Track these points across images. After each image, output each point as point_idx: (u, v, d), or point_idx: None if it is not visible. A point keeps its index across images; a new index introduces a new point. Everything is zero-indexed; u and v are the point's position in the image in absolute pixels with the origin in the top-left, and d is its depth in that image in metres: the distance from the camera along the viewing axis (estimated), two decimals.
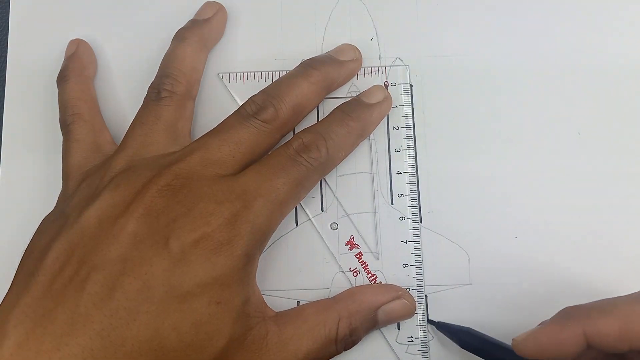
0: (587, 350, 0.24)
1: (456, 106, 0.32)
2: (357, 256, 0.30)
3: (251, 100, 0.29)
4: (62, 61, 0.33)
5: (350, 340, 0.28)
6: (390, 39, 0.33)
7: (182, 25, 0.32)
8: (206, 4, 0.33)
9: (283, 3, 0.33)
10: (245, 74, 0.32)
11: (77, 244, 0.24)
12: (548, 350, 0.24)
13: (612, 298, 0.24)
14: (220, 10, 0.33)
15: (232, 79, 0.32)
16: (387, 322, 0.29)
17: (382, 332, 0.30)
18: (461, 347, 0.28)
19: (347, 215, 0.31)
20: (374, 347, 0.30)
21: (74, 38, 0.33)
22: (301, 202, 0.31)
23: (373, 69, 0.32)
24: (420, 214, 0.31)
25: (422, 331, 0.30)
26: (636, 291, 0.24)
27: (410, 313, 0.29)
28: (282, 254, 0.30)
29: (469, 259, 0.30)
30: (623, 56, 0.33)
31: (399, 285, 0.30)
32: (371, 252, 0.30)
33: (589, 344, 0.24)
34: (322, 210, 0.31)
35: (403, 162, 0.31)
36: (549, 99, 0.32)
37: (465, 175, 0.31)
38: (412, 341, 0.29)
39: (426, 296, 0.30)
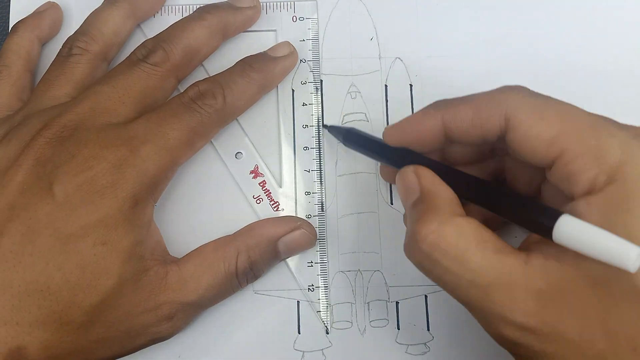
0: (450, 148, 0.27)
1: None
2: (261, 184, 0.31)
3: (142, 45, 0.29)
4: None
5: (251, 274, 0.29)
6: (390, 39, 0.33)
7: None
8: None
9: None
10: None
11: None
12: (411, 137, 0.26)
13: (473, 93, 0.25)
14: None
15: None
16: (289, 253, 0.30)
17: (381, 331, 0.30)
18: (346, 144, 0.30)
19: (253, 145, 0.31)
20: (374, 346, 0.30)
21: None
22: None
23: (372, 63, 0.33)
24: None
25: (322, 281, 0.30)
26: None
27: (310, 242, 0.30)
28: None
29: None
30: (623, 56, 0.33)
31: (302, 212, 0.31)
32: (274, 180, 0.31)
33: (447, 134, 0.25)
34: (323, 210, 0.31)
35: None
36: None
37: None
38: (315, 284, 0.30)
39: (426, 296, 0.30)
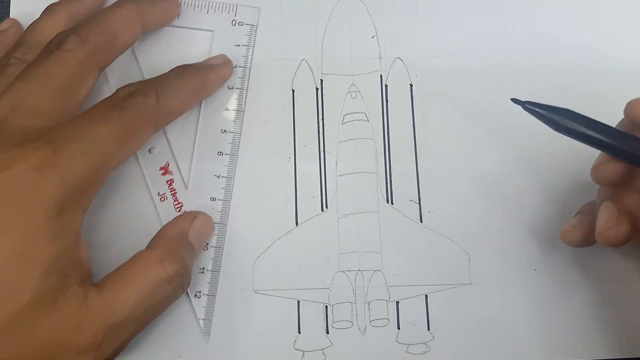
0: None
1: (456, 105, 0.32)
2: (169, 182, 0.31)
3: (56, 35, 0.28)
4: None
5: (185, 275, 0.27)
6: (390, 38, 0.33)
7: None
8: None
9: (283, 3, 0.33)
10: None
11: None
12: None
13: None
14: None
15: None
16: (200, 242, 0.30)
17: (381, 331, 0.30)
18: (557, 130, 0.25)
19: (168, 141, 0.31)
20: (375, 346, 0.30)
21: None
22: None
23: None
24: (420, 214, 0.31)
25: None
26: None
27: (211, 225, 0.30)
28: (282, 254, 0.30)
29: (469, 259, 0.30)
30: (623, 56, 0.33)
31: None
32: (182, 180, 0.31)
33: None
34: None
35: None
36: (549, 98, 0.32)
37: (466, 175, 0.31)
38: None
39: (426, 296, 0.30)
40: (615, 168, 0.26)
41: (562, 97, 0.32)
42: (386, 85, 0.32)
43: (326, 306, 0.30)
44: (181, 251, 0.28)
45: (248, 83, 0.32)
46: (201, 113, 0.32)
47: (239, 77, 0.32)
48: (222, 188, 0.31)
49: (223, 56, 0.32)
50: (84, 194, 0.25)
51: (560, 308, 0.30)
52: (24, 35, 0.30)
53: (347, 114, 0.32)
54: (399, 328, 0.30)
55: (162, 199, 0.30)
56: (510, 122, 0.32)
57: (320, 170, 0.31)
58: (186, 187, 0.31)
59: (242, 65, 0.32)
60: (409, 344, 0.30)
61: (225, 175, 0.31)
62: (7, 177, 0.23)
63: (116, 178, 0.31)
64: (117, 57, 0.29)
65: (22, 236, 0.23)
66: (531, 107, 0.26)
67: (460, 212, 0.31)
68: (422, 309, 0.30)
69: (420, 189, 0.31)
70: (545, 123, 0.25)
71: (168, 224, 0.29)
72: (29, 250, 0.23)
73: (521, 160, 0.32)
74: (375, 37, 0.33)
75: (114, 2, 0.30)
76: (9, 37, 0.32)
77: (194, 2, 0.33)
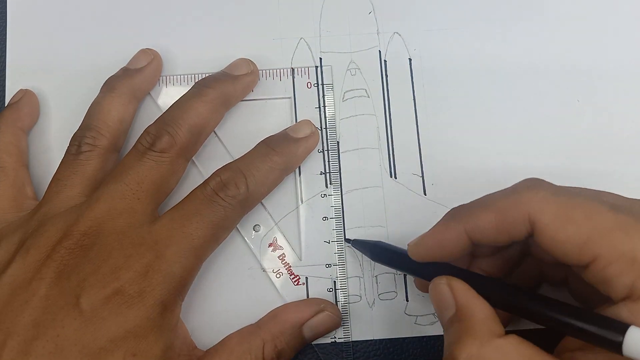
0: (476, 248, 0.25)
1: (456, 78, 0.32)
2: (280, 257, 0.30)
3: (146, 132, 0.28)
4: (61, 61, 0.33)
5: None
6: (387, 13, 0.33)
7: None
8: (141, 51, 0.32)
9: None
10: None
11: None
12: (435, 252, 0.25)
13: (491, 193, 0.24)
14: (155, 59, 0.31)
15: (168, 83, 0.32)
16: (315, 336, 0.29)
17: (390, 304, 0.30)
18: (373, 259, 0.29)
19: (271, 216, 0.30)
20: (384, 319, 0.30)
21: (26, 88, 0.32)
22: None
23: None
24: (424, 187, 0.31)
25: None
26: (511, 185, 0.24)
27: (336, 323, 0.29)
28: (288, 232, 0.31)
29: None
30: (625, 50, 0.33)
31: (324, 282, 0.30)
32: (294, 252, 0.30)
33: (473, 241, 0.24)
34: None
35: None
36: (549, 71, 0.32)
37: (467, 146, 0.31)
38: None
39: None
40: (419, 284, 0.29)
41: (561, 66, 0.32)
42: (385, 61, 0.33)
43: (334, 281, 0.30)
44: (287, 340, 0.28)
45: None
46: (297, 181, 0.31)
47: (327, 139, 0.31)
48: (334, 253, 0.30)
49: (308, 124, 0.31)
50: (183, 289, 0.27)
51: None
52: (89, 117, 0.29)
53: (347, 91, 0.32)
54: (407, 300, 0.30)
55: (278, 275, 0.30)
56: (511, 92, 0.32)
57: (323, 147, 0.31)
58: (300, 259, 0.30)
59: (327, 127, 0.31)
60: (417, 315, 0.30)
61: (335, 239, 0.30)
62: (116, 287, 0.25)
63: (228, 260, 0.30)
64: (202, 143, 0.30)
65: (134, 339, 0.25)
66: (354, 245, 0.30)
67: (463, 184, 0.31)
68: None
69: (422, 162, 0.31)
70: (366, 255, 0.29)
71: (290, 305, 0.29)
72: (140, 349, 0.25)
73: (522, 128, 0.32)
74: (372, 12, 0.33)
75: (194, 89, 0.29)
76: (23, 108, 0.31)
77: (265, 72, 0.32)
